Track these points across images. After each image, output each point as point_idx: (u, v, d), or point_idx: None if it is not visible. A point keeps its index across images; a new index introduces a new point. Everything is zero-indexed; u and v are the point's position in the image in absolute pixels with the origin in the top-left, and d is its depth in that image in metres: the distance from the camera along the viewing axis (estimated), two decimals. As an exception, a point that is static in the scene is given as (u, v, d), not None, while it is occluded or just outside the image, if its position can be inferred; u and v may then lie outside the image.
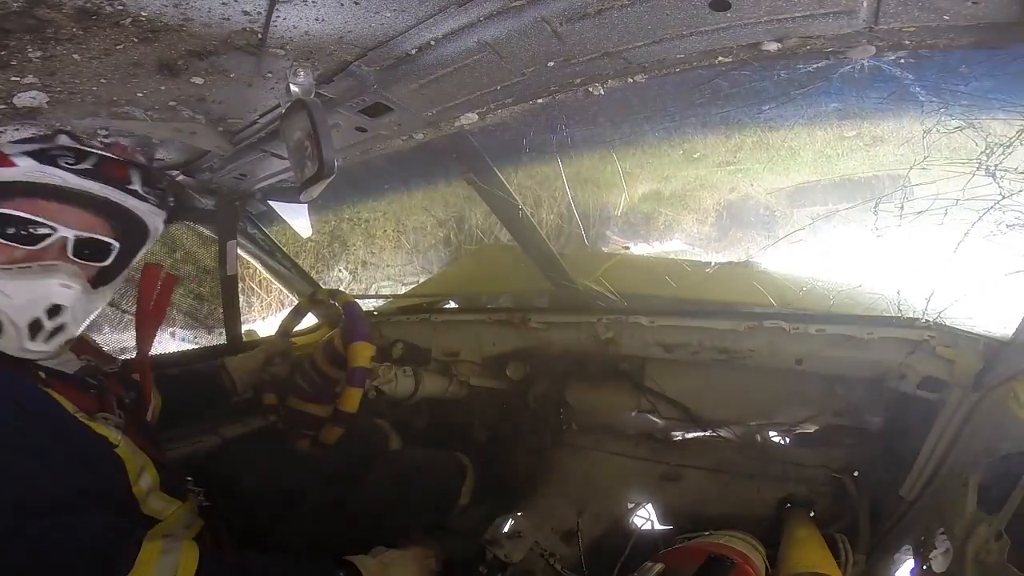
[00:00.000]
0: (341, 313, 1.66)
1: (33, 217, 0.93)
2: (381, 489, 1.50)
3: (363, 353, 1.50)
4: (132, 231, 1.06)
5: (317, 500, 1.47)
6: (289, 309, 1.97)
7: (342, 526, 1.39)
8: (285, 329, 1.87)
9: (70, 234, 0.96)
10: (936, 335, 1.36)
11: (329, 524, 1.41)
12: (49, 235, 0.94)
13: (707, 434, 1.87)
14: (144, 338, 1.20)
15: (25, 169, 0.91)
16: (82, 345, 1.13)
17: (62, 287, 0.94)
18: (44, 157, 0.93)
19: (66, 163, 0.94)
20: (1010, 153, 1.20)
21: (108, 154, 1.00)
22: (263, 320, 5.26)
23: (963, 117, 1.23)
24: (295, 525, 1.40)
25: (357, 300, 1.71)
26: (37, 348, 0.94)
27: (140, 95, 1.03)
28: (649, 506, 1.81)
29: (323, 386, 1.67)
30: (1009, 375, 1.18)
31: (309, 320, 2.15)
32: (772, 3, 0.81)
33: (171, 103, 1.09)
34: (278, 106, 1.14)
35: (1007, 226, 1.24)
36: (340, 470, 1.57)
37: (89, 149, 0.98)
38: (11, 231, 0.92)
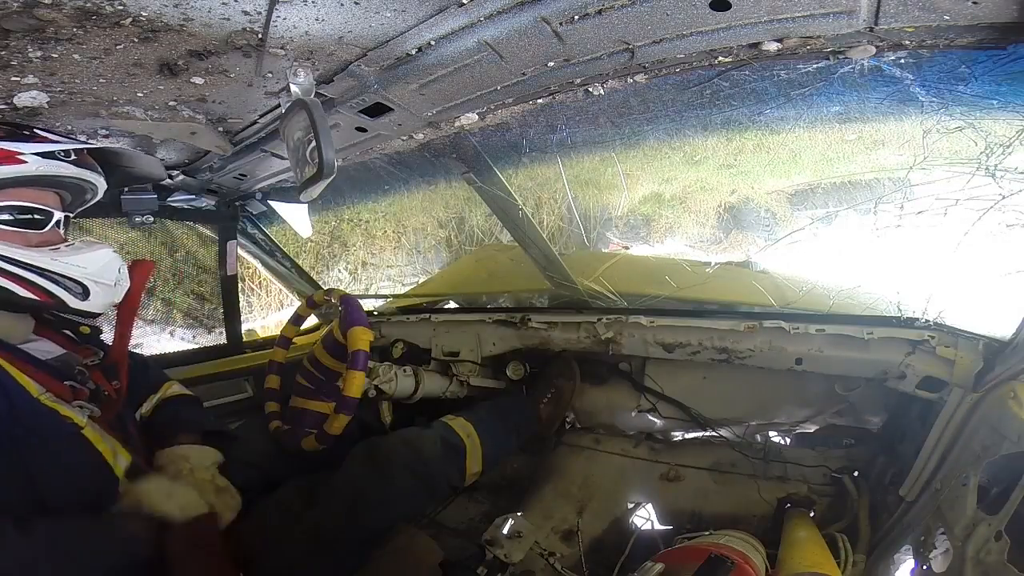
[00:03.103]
0: (339, 309, 1.66)
1: (38, 205, 1.03)
2: (359, 475, 1.39)
3: (362, 336, 1.48)
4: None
5: (289, 490, 1.40)
6: (289, 309, 1.97)
7: (313, 517, 1.31)
8: (286, 337, 1.87)
9: (60, 215, 1.07)
10: (936, 335, 1.36)
11: (295, 516, 1.32)
12: (49, 219, 1.04)
13: (707, 434, 1.87)
14: (125, 328, 1.23)
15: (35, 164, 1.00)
16: (58, 338, 1.15)
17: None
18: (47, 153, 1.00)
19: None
20: (1010, 153, 1.19)
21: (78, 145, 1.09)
22: (263, 320, 5.26)
23: (963, 117, 1.22)
24: (259, 517, 1.31)
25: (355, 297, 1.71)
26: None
27: (140, 95, 1.03)
28: (649, 506, 1.81)
29: (325, 382, 1.67)
30: (1009, 375, 1.17)
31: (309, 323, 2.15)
32: (772, 3, 0.82)
33: (171, 103, 1.09)
34: (278, 106, 1.14)
35: (1007, 226, 1.24)
36: (325, 456, 1.47)
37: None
38: (24, 218, 1.02)
